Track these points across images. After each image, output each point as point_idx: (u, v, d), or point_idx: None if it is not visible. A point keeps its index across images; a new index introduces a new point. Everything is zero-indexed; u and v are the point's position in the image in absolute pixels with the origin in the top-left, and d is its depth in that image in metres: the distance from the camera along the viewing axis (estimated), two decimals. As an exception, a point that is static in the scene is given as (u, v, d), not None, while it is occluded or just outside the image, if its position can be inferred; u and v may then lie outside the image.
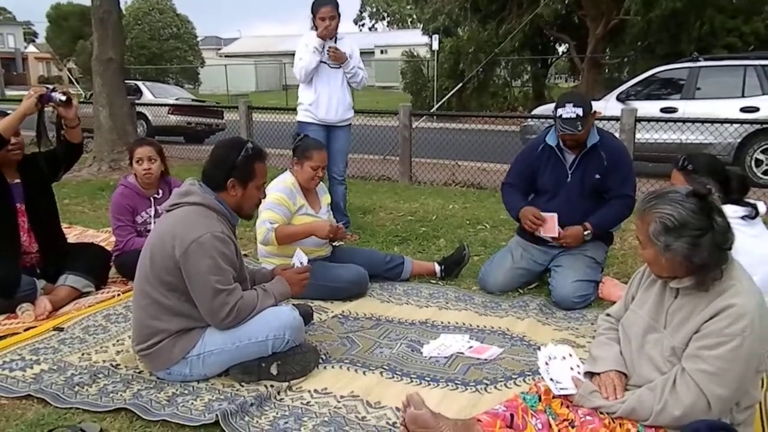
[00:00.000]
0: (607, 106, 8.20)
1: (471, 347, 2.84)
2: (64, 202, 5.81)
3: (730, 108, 7.35)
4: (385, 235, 4.79)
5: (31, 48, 51.54)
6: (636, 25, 14.85)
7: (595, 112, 3.31)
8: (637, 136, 6.41)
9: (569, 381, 1.93)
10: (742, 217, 2.47)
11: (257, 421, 2.21)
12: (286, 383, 2.47)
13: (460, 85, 15.47)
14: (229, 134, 11.52)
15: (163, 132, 11.80)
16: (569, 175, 3.44)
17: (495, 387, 2.48)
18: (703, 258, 1.70)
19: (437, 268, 3.87)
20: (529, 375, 2.55)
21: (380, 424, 2.20)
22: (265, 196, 2.72)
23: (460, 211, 5.74)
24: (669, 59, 10.14)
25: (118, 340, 2.93)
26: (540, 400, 1.94)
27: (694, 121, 6.50)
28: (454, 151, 8.34)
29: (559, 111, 3.27)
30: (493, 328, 3.11)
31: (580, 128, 3.24)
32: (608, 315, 2.14)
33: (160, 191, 3.82)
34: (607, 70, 18.44)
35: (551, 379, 1.93)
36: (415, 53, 22.68)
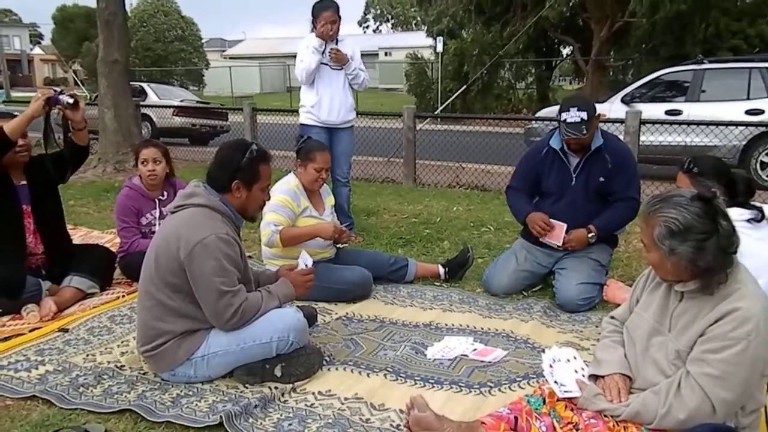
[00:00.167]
0: (612, 108, 8.18)
1: (475, 350, 2.84)
2: (69, 203, 5.82)
3: (735, 110, 7.33)
4: (389, 237, 4.79)
5: (37, 50, 51.75)
6: (641, 27, 14.83)
7: (599, 115, 3.31)
8: (642, 138, 6.40)
9: (573, 384, 1.93)
10: (748, 220, 2.46)
11: (261, 423, 2.21)
12: (290, 385, 2.47)
13: (465, 87, 15.49)
14: (233, 136, 11.56)
15: (168, 134, 11.82)
16: (573, 179, 3.43)
17: (499, 389, 2.47)
18: (708, 262, 1.70)
19: (441, 270, 3.87)
20: (533, 378, 2.54)
21: (384, 426, 2.20)
22: (269, 198, 2.72)
23: (464, 213, 5.74)
24: (674, 61, 10.11)
25: (122, 342, 2.93)
26: (544, 402, 1.94)
27: (698, 123, 6.48)
28: (458, 153, 8.34)
29: (563, 115, 3.26)
30: (497, 330, 3.11)
31: (584, 132, 3.23)
32: (612, 318, 2.14)
33: (165, 193, 3.83)
34: (611, 73, 18.43)
35: (555, 382, 1.93)
36: (419, 55, 22.71)
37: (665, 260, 1.76)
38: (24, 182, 3.40)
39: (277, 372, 2.48)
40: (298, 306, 2.92)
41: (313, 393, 2.44)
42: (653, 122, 6.79)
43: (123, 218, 3.73)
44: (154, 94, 13.59)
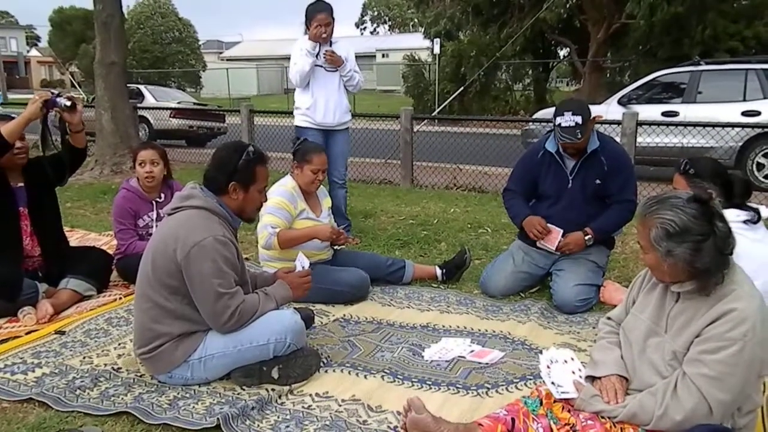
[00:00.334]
0: (609, 109, 8.21)
1: (472, 351, 2.84)
2: (66, 205, 5.82)
3: (731, 112, 7.35)
4: (386, 239, 4.79)
5: (34, 52, 51.67)
6: (638, 29, 14.85)
7: (594, 118, 3.31)
8: (639, 139, 6.41)
9: (571, 385, 1.93)
10: (744, 222, 2.46)
11: (258, 425, 2.21)
12: (288, 387, 2.47)
13: (462, 88, 15.49)
14: (230, 138, 11.54)
15: (165, 135, 11.82)
16: (570, 181, 3.44)
17: (496, 391, 2.48)
18: (704, 263, 1.70)
19: (438, 271, 3.87)
20: (530, 379, 2.55)
21: (381, 428, 2.20)
22: (266, 200, 2.72)
23: (462, 214, 5.74)
24: (670, 63, 10.14)
25: (119, 344, 2.93)
26: (541, 404, 1.94)
27: (695, 124, 6.50)
28: (455, 154, 8.35)
29: (558, 119, 3.27)
30: (494, 331, 3.11)
31: (579, 137, 3.24)
32: (609, 319, 2.14)
33: (163, 195, 3.82)
34: (608, 74, 18.46)
35: (553, 383, 1.93)
36: (416, 57, 22.72)
37: (662, 262, 1.77)
38: (21, 184, 3.39)
39: (275, 374, 2.48)
40: (295, 308, 2.92)
41: (311, 395, 2.44)
42: (650, 124, 6.80)
43: (120, 220, 3.72)
44: (151, 96, 13.59)
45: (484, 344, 2.94)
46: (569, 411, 1.89)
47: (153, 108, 12.34)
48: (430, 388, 2.50)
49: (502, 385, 2.52)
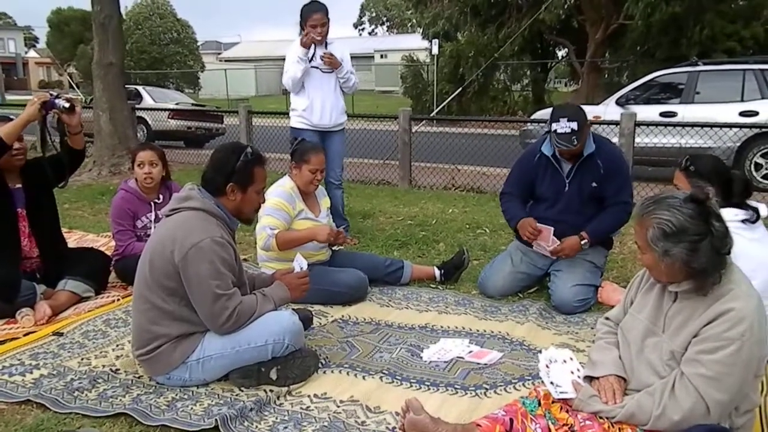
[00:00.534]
0: (607, 110, 8.22)
1: (471, 352, 2.84)
2: (64, 206, 5.80)
3: (729, 112, 7.36)
4: (384, 240, 4.79)
5: (32, 53, 51.64)
6: (636, 29, 14.87)
7: (590, 122, 3.31)
8: (637, 140, 6.42)
9: (569, 385, 1.93)
10: (743, 221, 2.45)
11: (257, 426, 2.21)
12: (286, 388, 2.47)
13: (460, 89, 15.48)
14: (229, 139, 11.55)
15: (163, 136, 11.81)
16: (567, 185, 3.44)
17: (494, 391, 2.48)
18: (701, 263, 1.71)
19: (437, 272, 3.87)
20: (528, 379, 2.55)
21: (380, 429, 2.20)
22: (264, 201, 2.72)
23: (460, 215, 5.74)
24: (668, 63, 10.15)
25: (117, 345, 2.93)
26: (540, 404, 1.94)
27: (693, 125, 6.51)
28: (453, 155, 8.35)
29: (554, 126, 3.26)
30: (492, 332, 3.11)
31: (575, 143, 3.23)
32: (607, 319, 2.15)
33: (161, 196, 3.82)
34: (606, 75, 18.46)
35: (551, 383, 1.93)
36: (414, 58, 22.71)
37: (659, 262, 1.77)
38: (19, 185, 3.39)
39: (273, 375, 2.48)
40: (293, 309, 2.91)
41: (309, 396, 2.44)
42: (648, 124, 6.81)
43: (118, 221, 3.72)
44: (149, 96, 13.58)
45: (482, 345, 2.94)
46: (567, 411, 1.89)
47: (151, 109, 12.34)
48: (429, 389, 2.50)
49: (501, 386, 2.52)
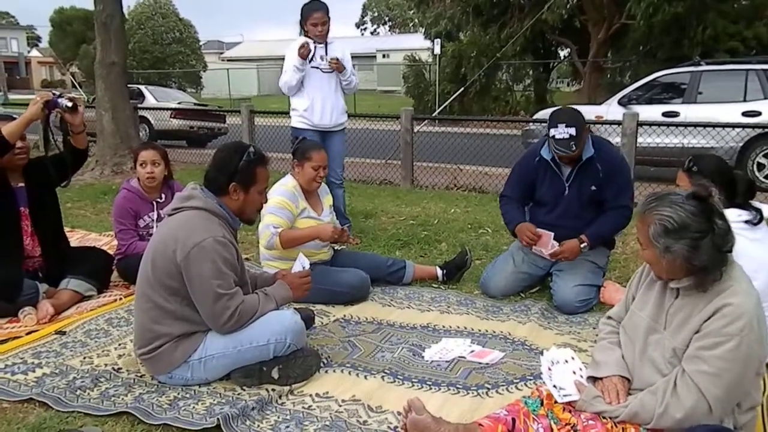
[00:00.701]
0: (609, 110, 8.21)
1: (472, 351, 2.84)
2: (66, 205, 5.81)
3: (732, 112, 7.34)
4: (386, 239, 4.79)
5: (35, 52, 51.67)
6: (638, 29, 14.84)
7: (588, 127, 3.30)
8: (639, 140, 6.41)
9: (572, 386, 1.92)
10: (746, 222, 2.44)
11: (258, 425, 2.21)
12: (288, 387, 2.47)
13: (462, 89, 15.49)
14: (231, 138, 11.54)
15: (166, 136, 11.82)
16: (567, 188, 3.43)
17: (496, 391, 2.48)
18: (702, 260, 1.71)
19: (439, 272, 3.87)
20: (530, 379, 2.55)
21: (382, 428, 2.20)
22: (266, 201, 2.72)
23: (462, 215, 5.74)
24: (671, 63, 10.14)
25: (120, 344, 2.93)
26: (542, 404, 1.94)
27: (696, 125, 6.50)
28: (455, 155, 8.34)
29: (552, 131, 3.25)
30: (494, 332, 3.11)
31: (573, 148, 3.22)
32: (609, 318, 2.15)
33: (163, 195, 3.83)
34: (608, 75, 18.43)
35: (555, 386, 1.92)
36: (417, 57, 22.73)
37: (660, 258, 1.77)
38: (22, 184, 3.39)
39: (275, 374, 2.48)
40: (295, 308, 2.92)
41: (311, 395, 2.44)
42: (650, 124, 6.79)
43: (121, 220, 3.73)
44: (151, 96, 13.59)
45: (484, 344, 2.94)
46: (570, 411, 1.89)
47: (153, 108, 12.34)
48: (431, 389, 2.50)
49: (503, 386, 2.52)
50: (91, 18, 9.20)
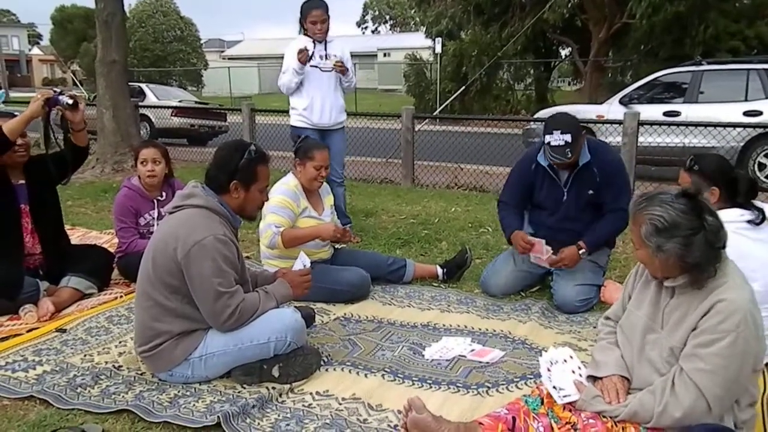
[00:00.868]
0: (610, 109, 8.21)
1: (473, 350, 2.84)
2: (67, 203, 5.82)
3: (733, 112, 7.34)
4: (387, 238, 4.79)
5: (36, 50, 51.74)
6: (639, 28, 14.83)
7: (584, 132, 3.29)
8: (640, 139, 6.41)
9: (572, 386, 1.92)
10: (748, 221, 2.43)
11: (259, 423, 2.21)
12: (288, 385, 2.47)
13: (463, 88, 15.50)
14: (232, 136, 11.54)
15: (166, 134, 11.81)
16: (565, 193, 3.43)
17: (497, 390, 2.48)
18: (695, 258, 1.72)
19: (439, 270, 3.87)
20: (531, 378, 2.55)
21: (382, 427, 2.20)
22: (267, 199, 2.72)
23: (463, 214, 5.74)
24: (672, 63, 10.13)
25: (120, 342, 2.93)
26: (542, 403, 1.94)
27: (697, 124, 6.50)
28: (456, 154, 8.34)
29: (547, 138, 3.24)
30: (495, 331, 3.11)
31: (569, 155, 3.21)
32: (607, 318, 2.15)
33: (164, 193, 3.83)
34: (610, 74, 18.43)
35: (554, 387, 1.92)
36: (418, 56, 22.72)
37: (653, 257, 1.78)
38: (22, 181, 3.39)
39: (275, 372, 2.48)
40: (296, 306, 2.92)
41: (311, 393, 2.44)
42: (651, 123, 6.79)
43: (121, 218, 3.73)
44: (152, 94, 13.59)
45: (484, 343, 2.94)
46: (570, 410, 1.89)
47: (154, 106, 12.34)
48: (431, 387, 2.50)
49: (503, 384, 2.52)
50: (92, 16, 9.20)
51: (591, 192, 3.38)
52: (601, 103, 9.13)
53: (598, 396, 1.87)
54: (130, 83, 9.55)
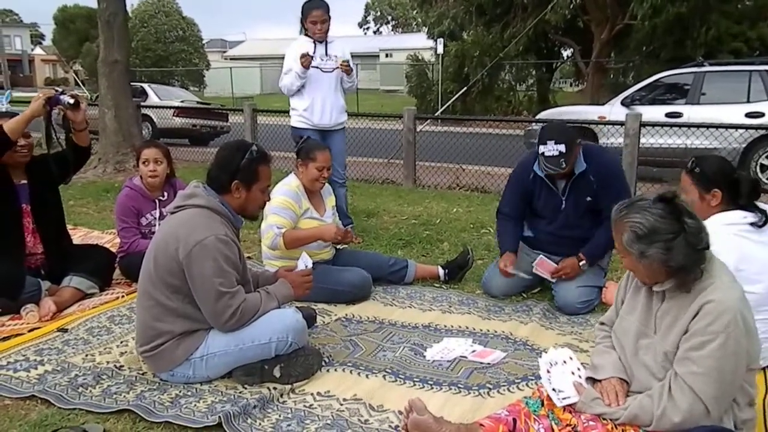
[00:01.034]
0: (612, 110, 8.20)
1: (474, 351, 2.84)
2: (69, 203, 5.82)
3: (735, 113, 7.33)
4: (388, 239, 4.79)
5: (38, 50, 51.79)
6: (641, 30, 14.83)
7: (580, 142, 3.28)
8: (642, 140, 6.40)
9: (571, 388, 1.92)
10: (751, 224, 2.41)
11: (260, 424, 2.22)
12: (289, 386, 2.47)
13: (465, 88, 15.50)
14: (233, 137, 11.56)
15: (168, 134, 11.81)
16: (563, 202, 3.43)
17: (498, 391, 2.48)
18: (678, 261, 1.72)
19: (441, 271, 3.87)
20: (532, 379, 2.54)
21: (383, 428, 2.20)
22: (269, 199, 2.72)
23: (464, 214, 5.74)
24: (674, 64, 10.12)
25: (121, 342, 2.93)
26: (543, 405, 1.94)
27: (699, 126, 6.49)
28: (458, 154, 8.34)
29: (542, 148, 3.22)
30: (496, 332, 3.11)
31: (563, 165, 3.20)
32: (603, 323, 2.15)
33: (166, 193, 3.83)
34: (611, 75, 18.43)
35: (554, 389, 1.92)
36: (419, 57, 22.73)
37: (637, 264, 1.79)
38: (24, 181, 3.39)
39: (276, 373, 2.48)
40: (297, 307, 2.92)
41: (312, 394, 2.44)
42: (653, 125, 6.78)
43: (123, 218, 3.73)
44: (154, 94, 13.60)
45: (485, 344, 2.93)
46: (571, 412, 1.89)
47: (156, 106, 12.35)
48: (432, 388, 2.50)
49: (504, 386, 2.52)
50: (95, 16, 9.20)
51: (589, 199, 3.37)
52: (603, 104, 9.12)
53: (598, 398, 1.87)
54: (132, 83, 9.56)
